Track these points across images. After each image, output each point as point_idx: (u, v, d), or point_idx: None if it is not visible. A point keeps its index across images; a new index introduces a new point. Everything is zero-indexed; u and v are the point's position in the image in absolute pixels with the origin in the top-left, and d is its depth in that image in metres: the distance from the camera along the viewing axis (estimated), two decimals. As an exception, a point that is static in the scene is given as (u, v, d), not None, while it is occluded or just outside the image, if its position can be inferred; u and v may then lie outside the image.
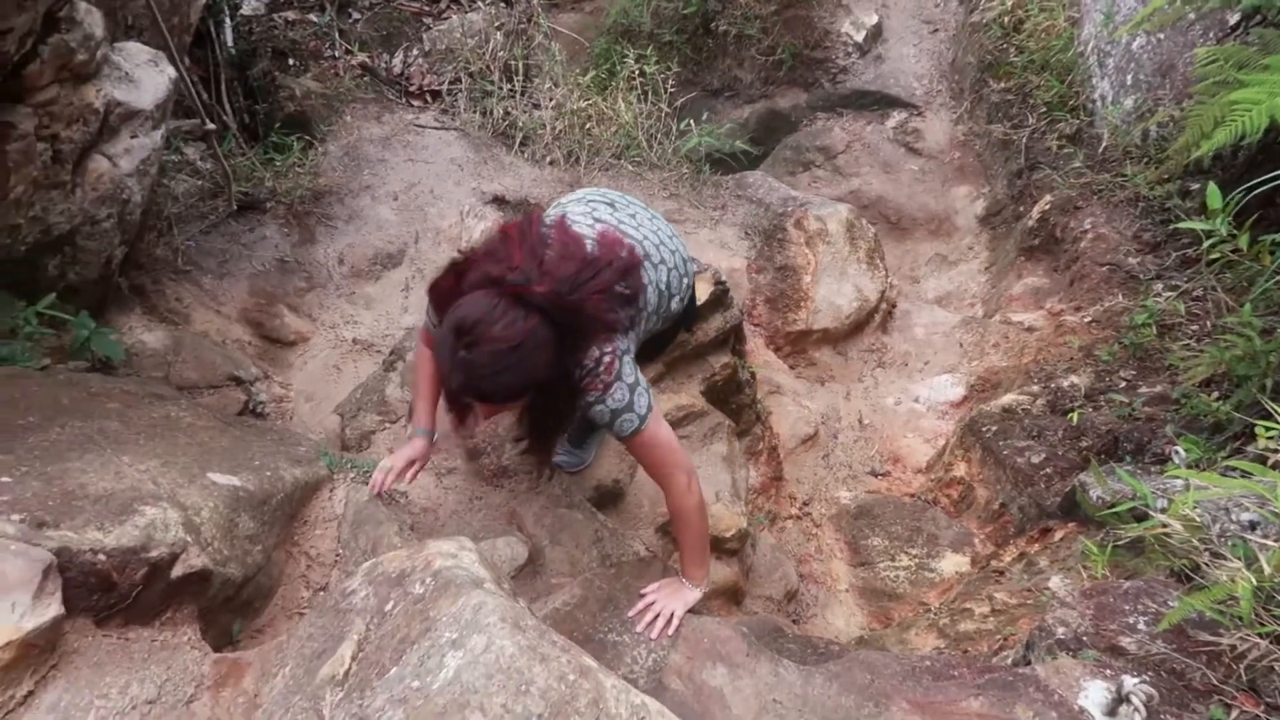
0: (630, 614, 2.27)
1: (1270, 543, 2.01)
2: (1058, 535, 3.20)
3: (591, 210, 2.37)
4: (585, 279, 1.93)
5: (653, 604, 2.27)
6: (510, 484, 2.93)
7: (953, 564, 3.64)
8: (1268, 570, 1.89)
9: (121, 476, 2.02)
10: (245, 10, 5.26)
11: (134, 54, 3.24)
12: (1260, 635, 1.86)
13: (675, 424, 3.55)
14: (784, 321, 4.78)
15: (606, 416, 2.09)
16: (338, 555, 2.46)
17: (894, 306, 5.09)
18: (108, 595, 1.77)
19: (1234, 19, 4.27)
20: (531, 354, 1.84)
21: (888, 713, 1.95)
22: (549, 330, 1.85)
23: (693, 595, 2.29)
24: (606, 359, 2.03)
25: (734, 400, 3.91)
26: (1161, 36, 4.74)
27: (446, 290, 2.01)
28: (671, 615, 2.22)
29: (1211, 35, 4.42)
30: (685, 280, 2.51)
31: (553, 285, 1.86)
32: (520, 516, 2.84)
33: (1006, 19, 5.84)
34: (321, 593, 2.34)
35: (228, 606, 2.12)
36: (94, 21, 2.85)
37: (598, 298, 1.95)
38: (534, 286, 1.84)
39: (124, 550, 1.79)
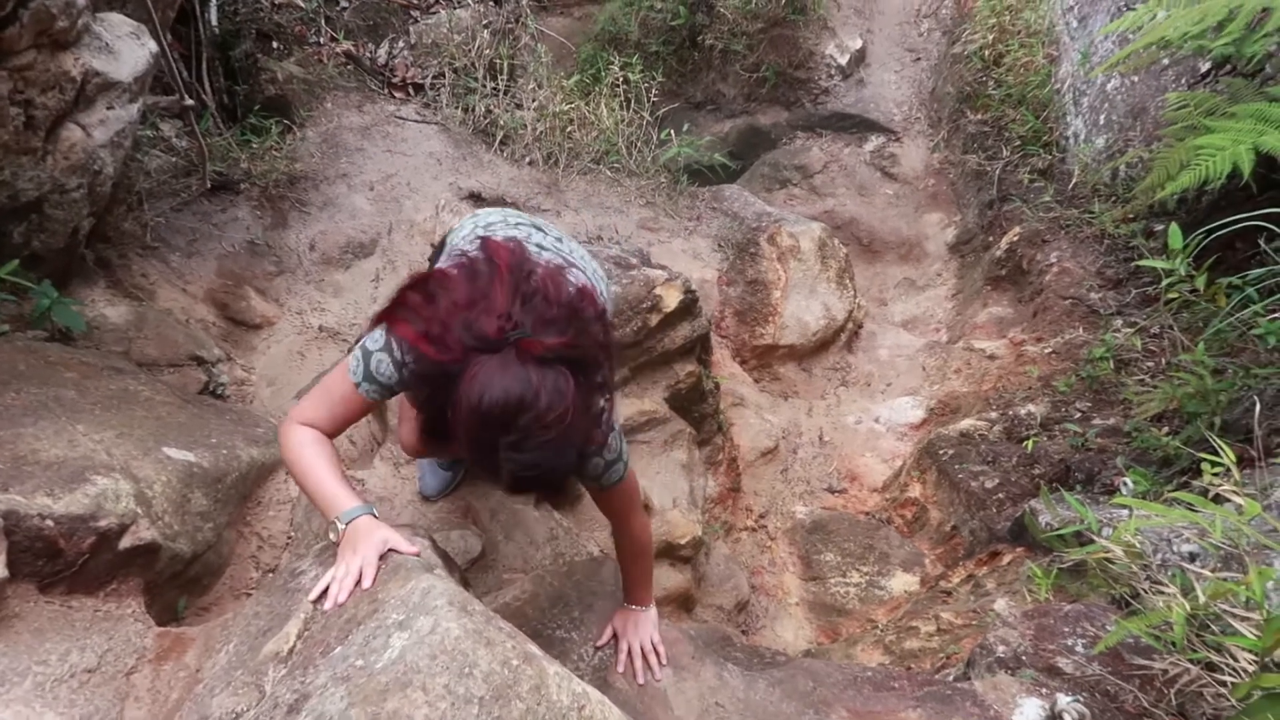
0: (620, 670, 2.15)
1: (1207, 573, 2.06)
2: (1006, 559, 3.25)
3: (529, 235, 2.15)
4: (580, 312, 1.67)
5: (630, 648, 2.17)
6: (466, 479, 2.93)
7: (902, 583, 3.69)
8: (1203, 599, 1.94)
9: (75, 445, 2.01)
10: (232, -10, 5.22)
11: (116, 25, 3.22)
12: (1192, 661, 1.91)
13: (637, 429, 3.56)
14: (751, 335, 4.82)
15: (600, 468, 1.92)
16: (289, 538, 2.46)
17: (860, 327, 5.15)
18: (53, 562, 1.76)
19: (1205, 67, 4.38)
20: (577, 419, 1.59)
21: (827, 720, 1.98)
22: (576, 381, 1.58)
23: (653, 615, 2.25)
24: (604, 403, 1.77)
25: (697, 409, 3.93)
26: (1135, 79, 4.85)
27: (433, 361, 1.60)
28: (654, 644, 2.17)
29: (1183, 81, 4.53)
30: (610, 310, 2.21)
31: (559, 327, 1.60)
32: (476, 511, 2.84)
33: (987, 52, 5.93)
34: (271, 574, 2.33)
35: (175, 582, 2.11)
36: (77, -12, 2.83)
37: (598, 326, 1.71)
38: (544, 339, 1.56)
39: (72, 518, 1.78)
